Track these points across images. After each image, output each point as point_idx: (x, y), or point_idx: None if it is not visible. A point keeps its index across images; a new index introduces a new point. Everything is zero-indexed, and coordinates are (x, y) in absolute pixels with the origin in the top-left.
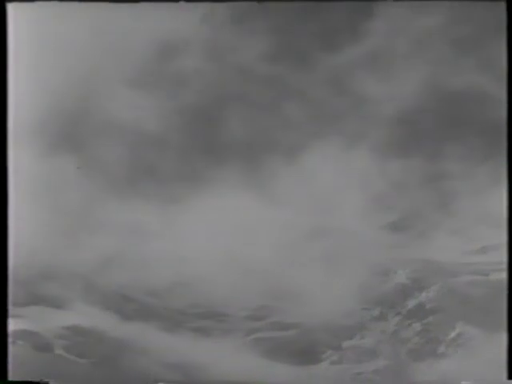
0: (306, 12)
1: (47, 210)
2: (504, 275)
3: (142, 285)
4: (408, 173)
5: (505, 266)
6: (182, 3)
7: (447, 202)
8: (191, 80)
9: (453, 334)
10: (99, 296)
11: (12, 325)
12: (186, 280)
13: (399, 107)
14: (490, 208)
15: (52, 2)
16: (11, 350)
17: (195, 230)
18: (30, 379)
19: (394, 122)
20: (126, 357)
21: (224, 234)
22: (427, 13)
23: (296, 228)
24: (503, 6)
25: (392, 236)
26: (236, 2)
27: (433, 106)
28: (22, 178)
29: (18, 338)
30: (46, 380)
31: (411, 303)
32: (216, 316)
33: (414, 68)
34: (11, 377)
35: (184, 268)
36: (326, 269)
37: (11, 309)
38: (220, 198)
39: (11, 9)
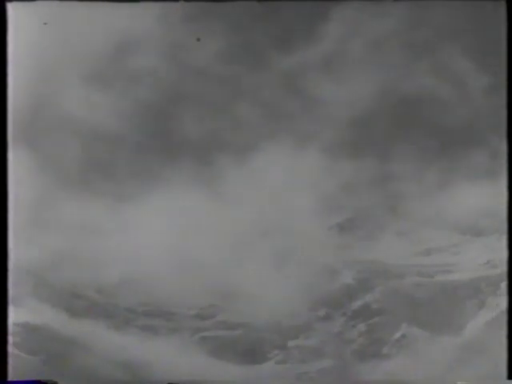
0: (262, 12)
1: None
2: (448, 277)
3: (92, 282)
4: (358, 174)
5: (449, 267)
6: (140, 3)
7: (395, 203)
8: (145, 79)
9: (397, 335)
10: (49, 293)
11: None
12: (136, 278)
13: (351, 109)
14: (437, 210)
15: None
16: None
17: (145, 228)
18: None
19: (345, 123)
20: (75, 354)
21: (174, 233)
22: (383, 15)
23: (245, 228)
24: (461, 7)
25: (339, 237)
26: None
27: (385, 109)
28: None
29: None
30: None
31: (356, 304)
32: (164, 314)
33: (368, 70)
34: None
35: (134, 266)
36: (273, 269)
37: None
38: (171, 197)
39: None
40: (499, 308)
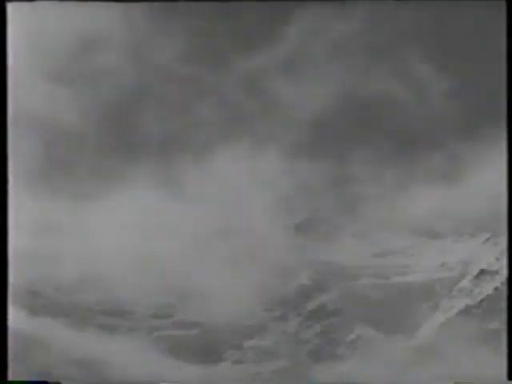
0: (224, 13)
1: None
2: (403, 279)
3: (51, 280)
4: (316, 175)
5: (404, 269)
6: (100, 3)
7: (353, 205)
8: (108, 78)
9: (352, 336)
10: (8, 291)
11: None
12: (95, 277)
13: (311, 111)
14: (394, 212)
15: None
16: None
17: (106, 227)
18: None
19: (305, 124)
20: (33, 352)
21: (133, 233)
22: (344, 19)
23: (204, 228)
24: (424, 9)
25: (296, 237)
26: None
27: (345, 111)
28: None
29: None
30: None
31: (312, 305)
32: (122, 313)
33: (329, 72)
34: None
35: (93, 265)
36: (231, 268)
37: None
38: (132, 196)
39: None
40: (454, 310)
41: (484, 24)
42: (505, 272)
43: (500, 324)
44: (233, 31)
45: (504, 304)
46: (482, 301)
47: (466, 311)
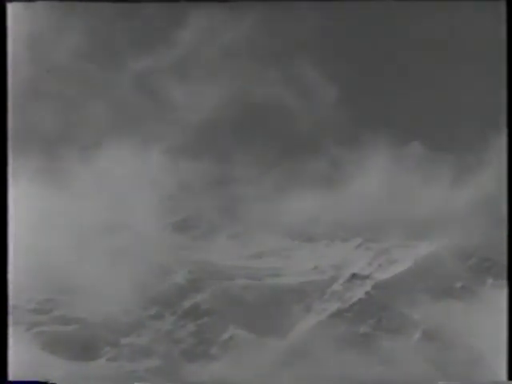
0: (122, 13)
1: None
2: (276, 280)
3: None
4: (199, 175)
5: (278, 271)
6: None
7: (231, 205)
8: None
9: (225, 337)
10: None
11: None
12: None
13: (199, 113)
14: (271, 214)
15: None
16: None
17: None
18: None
19: (191, 126)
20: None
21: (17, 226)
22: (237, 23)
23: (86, 224)
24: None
25: (174, 236)
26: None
27: (232, 114)
28: None
29: None
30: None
31: (187, 304)
32: None
33: (218, 76)
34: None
35: None
36: (110, 266)
37: None
38: (16, 190)
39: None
40: (325, 313)
41: (377, 29)
42: (376, 276)
43: (370, 328)
44: (129, 31)
45: (374, 309)
46: (353, 304)
47: (338, 314)
